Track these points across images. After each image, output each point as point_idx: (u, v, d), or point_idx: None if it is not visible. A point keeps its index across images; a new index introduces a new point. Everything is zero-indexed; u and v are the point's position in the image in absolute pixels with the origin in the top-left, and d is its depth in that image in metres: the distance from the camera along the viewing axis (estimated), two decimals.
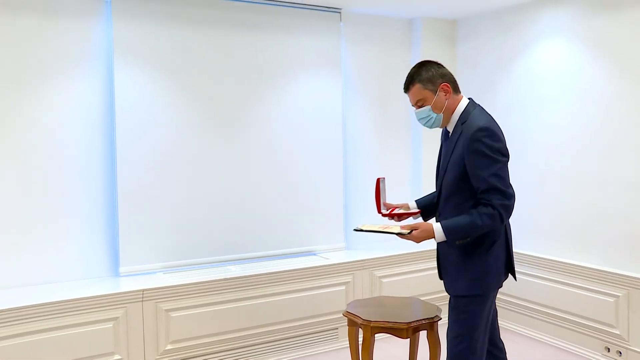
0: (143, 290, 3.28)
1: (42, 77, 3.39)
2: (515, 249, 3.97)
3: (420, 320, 2.79)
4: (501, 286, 2.47)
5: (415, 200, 2.76)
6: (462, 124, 2.39)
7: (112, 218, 3.59)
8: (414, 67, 2.49)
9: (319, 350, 3.83)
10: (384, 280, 4.10)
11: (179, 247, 3.72)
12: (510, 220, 2.45)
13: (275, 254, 4.05)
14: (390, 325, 2.77)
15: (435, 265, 2.64)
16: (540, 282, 4.01)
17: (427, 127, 2.51)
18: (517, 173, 3.93)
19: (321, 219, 4.24)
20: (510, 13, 4.25)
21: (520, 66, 4.19)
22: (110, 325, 3.19)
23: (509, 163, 2.35)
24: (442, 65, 2.49)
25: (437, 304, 3.58)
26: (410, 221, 2.68)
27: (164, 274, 3.61)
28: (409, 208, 2.74)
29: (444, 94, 2.42)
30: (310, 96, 4.19)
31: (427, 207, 2.69)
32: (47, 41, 3.39)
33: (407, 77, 2.48)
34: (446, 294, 2.57)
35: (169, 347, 3.35)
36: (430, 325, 2.83)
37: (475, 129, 2.30)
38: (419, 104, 2.47)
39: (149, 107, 3.63)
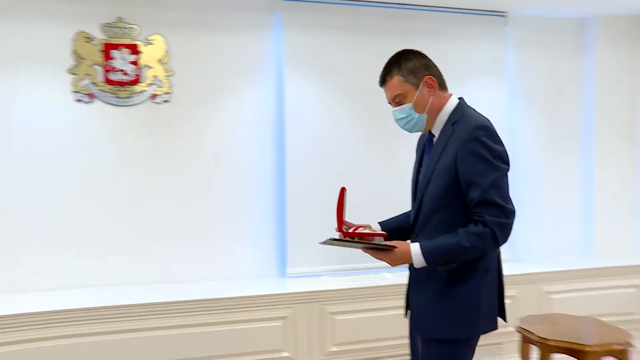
0: (310, 293, 3.39)
1: (218, 88, 3.65)
2: None
3: (610, 344, 2.57)
4: (495, 328, 1.99)
5: (379, 222, 2.23)
6: (453, 123, 1.96)
7: (281, 221, 3.76)
8: (392, 56, 2.04)
9: None
10: None
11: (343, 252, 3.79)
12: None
13: None
14: (573, 346, 2.59)
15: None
16: None
17: (406, 130, 2.04)
18: None
19: None
20: None
21: None
22: (279, 323, 3.33)
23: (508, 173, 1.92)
24: (425, 56, 2.04)
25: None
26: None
27: (329, 277, 3.70)
28: (372, 229, 2.18)
29: (428, 89, 1.98)
30: (472, 104, 4.06)
31: (397, 230, 2.15)
32: (222, 55, 3.65)
33: (384, 67, 2.05)
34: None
35: (334, 348, 3.43)
36: (622, 352, 2.59)
37: (472, 126, 1.88)
38: (396, 100, 2.02)
39: (317, 114, 3.76)
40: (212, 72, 3.63)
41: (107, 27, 3.44)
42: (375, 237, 2.06)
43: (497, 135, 1.89)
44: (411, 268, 2.05)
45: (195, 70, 3.60)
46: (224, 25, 3.63)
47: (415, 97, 1.98)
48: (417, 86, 1.98)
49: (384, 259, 1.93)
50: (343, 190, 2.10)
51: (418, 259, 1.89)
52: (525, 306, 3.79)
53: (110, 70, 3.45)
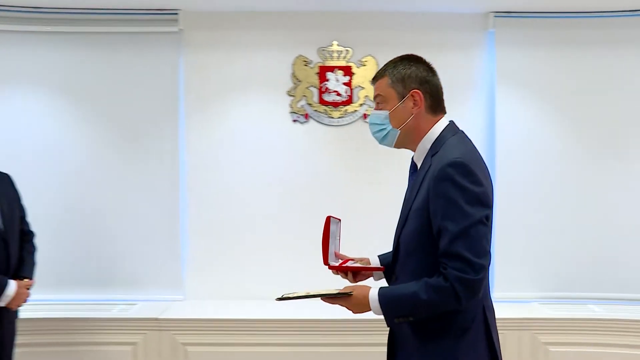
0: (521, 320, 3.26)
1: None
2: None
3: None
4: None
5: (378, 256, 1.99)
6: (433, 155, 1.69)
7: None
8: (397, 57, 1.81)
9: None
10: None
11: (558, 277, 3.59)
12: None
13: None
14: None
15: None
16: None
17: (376, 139, 1.81)
18: None
19: None
20: None
21: None
22: None
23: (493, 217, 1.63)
24: (431, 70, 1.77)
25: None
26: (369, 283, 1.82)
27: (539, 304, 3.53)
28: (369, 263, 1.96)
29: (412, 105, 1.71)
30: None
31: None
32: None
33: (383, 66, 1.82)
34: None
35: None
36: None
37: (444, 162, 1.60)
38: (377, 100, 1.80)
39: (530, 134, 3.61)
40: None
41: (323, 50, 3.62)
42: (374, 272, 1.92)
43: (475, 173, 1.60)
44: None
45: None
46: (435, 45, 3.62)
47: (394, 107, 1.74)
48: (401, 96, 1.73)
49: (344, 305, 1.73)
50: (328, 219, 1.93)
51: (375, 307, 1.65)
52: None
53: (325, 91, 3.63)
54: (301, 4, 3.51)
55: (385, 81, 1.76)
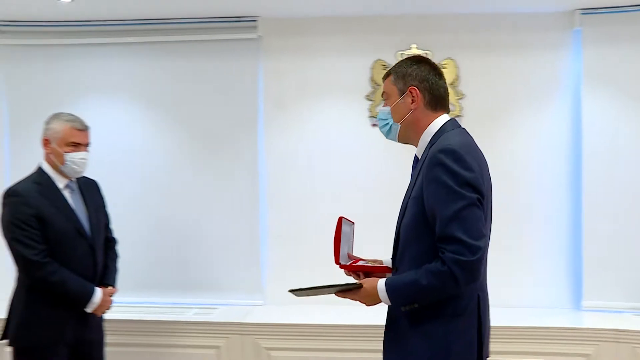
0: (617, 331, 3.10)
1: (510, 110, 3.55)
2: None
3: None
4: None
5: (392, 258, 1.95)
6: (430, 147, 1.77)
7: (576, 248, 3.51)
8: (406, 57, 1.97)
9: None
10: None
11: None
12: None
13: None
14: None
15: None
16: None
17: (383, 134, 1.93)
18: None
19: None
20: None
21: None
22: None
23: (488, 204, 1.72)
24: (434, 70, 1.87)
25: None
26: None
27: (633, 315, 3.35)
28: (382, 265, 2.00)
29: (411, 101, 1.83)
30: None
31: None
32: (515, 76, 3.54)
33: None
34: None
35: None
36: None
37: (437, 149, 1.70)
38: (383, 97, 1.95)
39: (618, 134, 3.45)
40: (504, 94, 3.55)
41: (401, 54, 3.58)
42: (382, 272, 1.94)
43: (465, 159, 1.66)
44: (388, 306, 1.86)
45: (486, 92, 3.56)
46: (517, 47, 3.52)
47: (395, 103, 1.87)
48: (401, 92, 1.86)
49: (356, 298, 1.82)
50: (340, 220, 1.99)
51: (383, 297, 1.74)
52: None
53: None
54: (379, 8, 3.49)
55: (389, 79, 1.90)
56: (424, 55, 3.51)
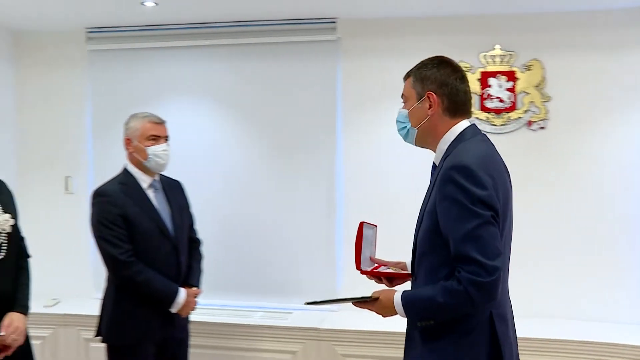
0: None
1: (599, 112, 3.37)
2: None
3: None
4: None
5: (411, 266, 1.90)
6: (446, 158, 1.71)
7: None
8: (429, 57, 1.85)
9: None
10: None
11: None
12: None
13: None
14: None
15: None
16: None
17: (401, 136, 1.87)
18: None
19: None
20: None
21: None
22: None
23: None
24: (458, 74, 1.77)
25: None
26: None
27: None
28: (405, 268, 1.97)
29: (428, 106, 1.75)
30: None
31: None
32: (604, 76, 3.36)
33: None
34: None
35: None
36: None
37: (448, 166, 1.63)
38: (402, 100, 1.87)
39: None
40: (594, 96, 3.37)
41: (484, 55, 3.46)
42: (403, 278, 1.94)
43: (478, 176, 1.59)
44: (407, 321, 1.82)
45: (574, 95, 3.39)
46: (610, 45, 3.34)
47: (412, 107, 1.80)
48: (419, 96, 1.78)
49: (373, 309, 1.79)
50: (361, 225, 1.99)
51: (399, 310, 1.71)
52: None
53: (487, 97, 3.46)
54: (461, 8, 3.38)
55: (409, 81, 1.83)
56: (509, 55, 3.42)
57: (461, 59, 3.48)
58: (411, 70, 1.85)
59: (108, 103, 3.87)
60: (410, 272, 1.91)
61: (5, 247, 2.04)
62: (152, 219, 2.55)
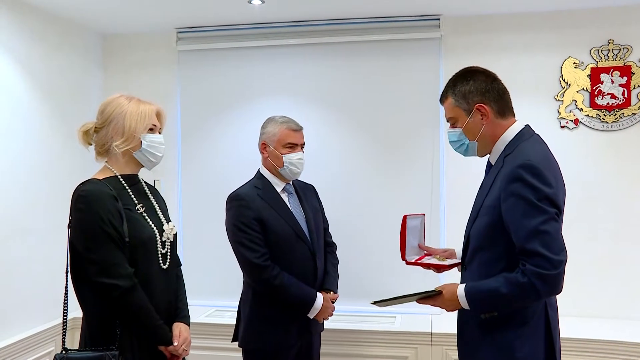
0: None
1: None
2: None
3: None
4: None
5: (461, 258, 1.97)
6: (506, 156, 1.78)
7: None
8: (455, 74, 1.92)
9: None
10: None
11: None
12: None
13: None
14: None
15: None
16: None
17: (460, 153, 1.93)
18: None
19: None
20: None
21: None
22: None
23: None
24: (489, 77, 1.86)
25: None
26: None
27: None
28: (454, 254, 2.09)
29: (481, 117, 1.82)
30: None
31: None
32: None
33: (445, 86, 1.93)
34: None
35: None
36: None
37: (516, 164, 1.69)
38: (450, 122, 1.93)
39: None
40: None
41: (596, 50, 3.35)
42: (446, 269, 2.05)
43: (544, 174, 1.66)
44: (458, 312, 1.88)
45: None
46: None
47: (465, 123, 1.86)
48: (468, 112, 1.85)
49: (437, 304, 1.84)
50: (405, 218, 2.09)
51: (463, 302, 1.75)
52: None
53: (598, 94, 3.35)
54: (571, 2, 3.28)
55: (450, 102, 1.89)
56: (625, 49, 3.30)
57: (571, 55, 3.38)
58: (445, 92, 1.92)
59: (196, 104, 3.81)
60: (453, 263, 2.04)
61: (169, 257, 1.98)
62: (288, 222, 2.48)
